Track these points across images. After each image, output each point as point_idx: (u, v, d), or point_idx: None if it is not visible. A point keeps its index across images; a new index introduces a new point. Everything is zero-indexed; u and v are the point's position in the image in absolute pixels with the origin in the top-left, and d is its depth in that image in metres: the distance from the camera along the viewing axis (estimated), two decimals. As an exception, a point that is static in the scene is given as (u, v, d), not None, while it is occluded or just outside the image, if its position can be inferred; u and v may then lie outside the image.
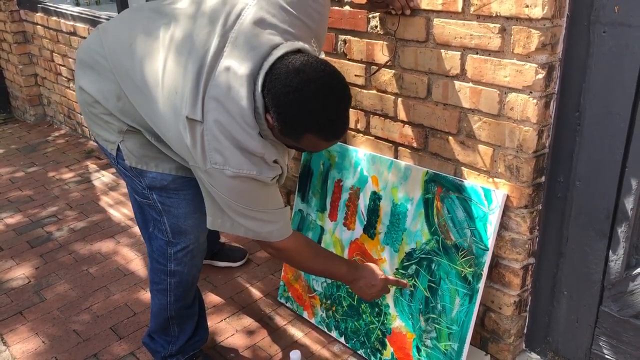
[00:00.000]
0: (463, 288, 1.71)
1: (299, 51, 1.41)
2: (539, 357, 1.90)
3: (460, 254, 1.72)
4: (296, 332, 2.18)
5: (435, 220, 1.78)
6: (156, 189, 1.71)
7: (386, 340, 1.93)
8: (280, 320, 2.25)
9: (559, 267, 1.75)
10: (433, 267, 1.78)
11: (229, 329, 2.22)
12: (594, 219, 1.62)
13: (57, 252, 2.81)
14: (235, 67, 1.39)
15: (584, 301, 1.73)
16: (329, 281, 2.12)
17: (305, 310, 2.22)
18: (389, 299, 1.91)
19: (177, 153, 1.56)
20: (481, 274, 1.66)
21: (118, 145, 1.67)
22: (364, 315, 2.00)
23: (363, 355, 2.01)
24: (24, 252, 2.82)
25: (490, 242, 1.65)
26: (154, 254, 1.84)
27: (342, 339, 2.08)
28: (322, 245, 2.15)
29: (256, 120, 1.42)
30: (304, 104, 1.32)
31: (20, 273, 2.65)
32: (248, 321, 2.26)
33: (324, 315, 2.15)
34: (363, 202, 2.00)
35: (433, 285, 1.79)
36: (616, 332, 1.69)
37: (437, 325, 1.78)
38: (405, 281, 1.84)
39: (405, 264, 1.87)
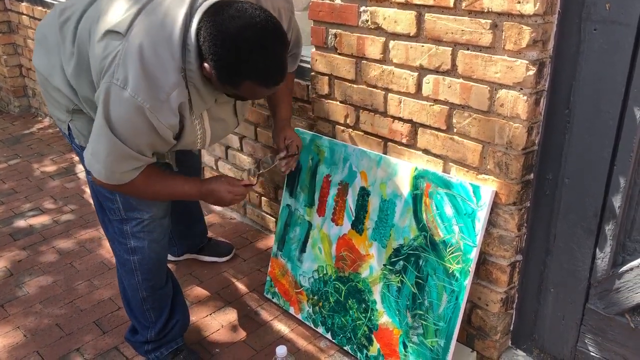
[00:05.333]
0: (450, 284, 1.70)
1: None
2: (525, 354, 1.91)
3: (448, 250, 1.71)
4: (282, 328, 2.17)
5: (424, 216, 1.77)
6: None
7: (373, 336, 1.92)
8: (266, 316, 2.24)
9: (546, 264, 1.75)
10: (421, 263, 1.78)
11: (215, 324, 2.20)
12: (582, 217, 1.62)
13: (40, 245, 2.77)
14: (175, 3, 1.41)
15: (570, 299, 1.74)
16: (316, 277, 2.11)
17: (292, 306, 2.21)
18: (376, 295, 1.91)
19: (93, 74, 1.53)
20: (469, 271, 1.66)
21: (68, 124, 1.70)
22: (350, 311, 1.99)
23: (349, 351, 2.00)
24: (6, 245, 2.78)
25: (478, 239, 1.65)
26: (115, 235, 1.83)
27: (328, 335, 2.07)
28: (310, 240, 2.14)
29: (183, 58, 1.40)
30: (240, 49, 1.32)
31: (1, 266, 2.60)
32: (234, 316, 2.24)
33: (310, 311, 2.14)
34: (351, 198, 1.99)
35: (420, 281, 1.78)
36: (602, 329, 1.69)
37: (423, 322, 1.78)
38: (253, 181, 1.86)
39: (393, 259, 1.86)
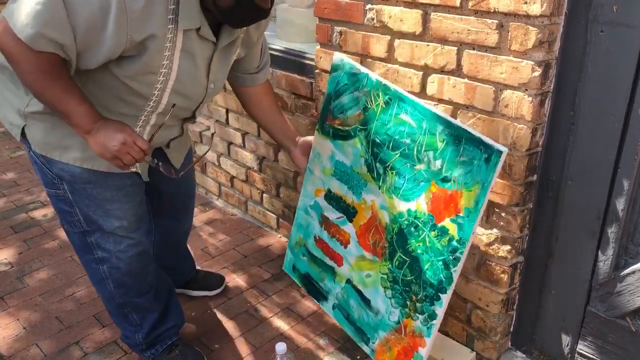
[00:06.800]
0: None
1: None
2: (524, 355, 1.91)
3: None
4: (282, 325, 2.17)
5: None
6: (66, 179, 1.62)
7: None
8: (266, 313, 2.24)
9: (548, 266, 1.75)
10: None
11: (214, 321, 2.20)
12: (585, 219, 1.62)
13: (42, 238, 2.77)
14: None
15: (571, 301, 1.73)
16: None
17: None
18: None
19: None
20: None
21: (22, 129, 1.57)
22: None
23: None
24: (7, 237, 2.78)
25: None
26: (80, 247, 1.76)
27: None
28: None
29: None
30: None
31: (2, 258, 2.60)
32: (234, 313, 2.24)
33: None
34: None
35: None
36: (602, 332, 1.69)
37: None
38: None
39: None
